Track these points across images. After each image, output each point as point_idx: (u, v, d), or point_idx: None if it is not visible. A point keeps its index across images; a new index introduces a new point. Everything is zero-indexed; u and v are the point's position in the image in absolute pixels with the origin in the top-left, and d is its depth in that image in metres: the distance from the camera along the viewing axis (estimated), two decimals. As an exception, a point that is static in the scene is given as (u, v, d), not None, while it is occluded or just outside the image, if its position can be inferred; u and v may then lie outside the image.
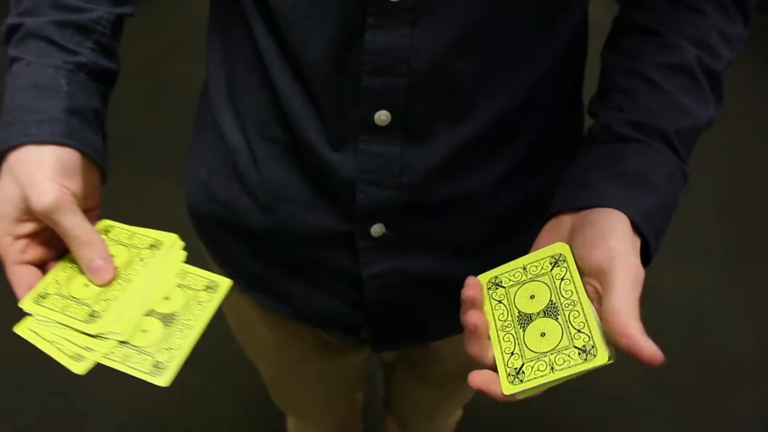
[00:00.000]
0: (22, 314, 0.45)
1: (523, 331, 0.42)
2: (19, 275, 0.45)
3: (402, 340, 0.64)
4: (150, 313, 0.44)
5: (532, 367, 0.40)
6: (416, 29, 0.42)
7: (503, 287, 0.45)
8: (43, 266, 0.47)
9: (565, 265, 0.43)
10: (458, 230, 0.54)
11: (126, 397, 1.42)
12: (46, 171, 0.42)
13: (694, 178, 1.95)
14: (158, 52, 2.36)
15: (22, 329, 0.44)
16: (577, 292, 0.41)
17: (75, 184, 0.44)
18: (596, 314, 0.40)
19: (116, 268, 0.45)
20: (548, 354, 0.40)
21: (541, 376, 0.39)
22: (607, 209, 0.42)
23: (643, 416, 1.43)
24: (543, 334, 0.41)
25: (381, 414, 1.09)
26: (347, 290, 0.58)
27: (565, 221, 0.45)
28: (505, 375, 0.40)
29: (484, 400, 0.96)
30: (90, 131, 0.46)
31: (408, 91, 0.45)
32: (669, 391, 1.47)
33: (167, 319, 0.44)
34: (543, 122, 0.51)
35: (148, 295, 0.45)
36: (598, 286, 0.41)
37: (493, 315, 0.44)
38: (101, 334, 0.42)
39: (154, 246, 0.47)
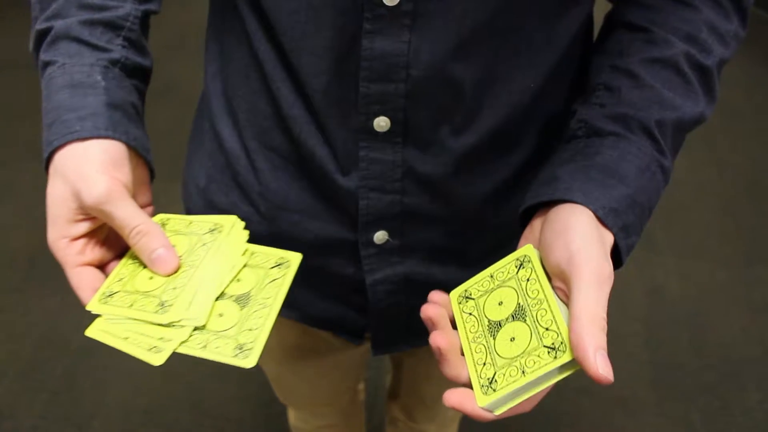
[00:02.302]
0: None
1: (494, 339, 0.40)
2: (80, 278, 0.43)
3: (404, 343, 0.63)
4: (223, 296, 0.43)
5: (504, 374, 0.37)
6: (414, 35, 0.41)
7: (472, 299, 0.43)
8: (103, 268, 0.45)
9: (530, 265, 0.41)
10: (461, 236, 0.53)
11: (130, 396, 1.42)
12: (94, 164, 0.41)
13: (700, 177, 1.94)
14: (159, 53, 2.36)
15: (93, 331, 0.42)
16: (542, 290, 0.40)
17: (125, 175, 0.43)
18: (564, 311, 0.38)
19: (179, 256, 0.44)
20: (518, 358, 0.38)
21: (513, 381, 0.37)
22: (570, 204, 0.40)
23: (647, 416, 1.42)
24: (512, 339, 0.39)
25: (386, 402, 1.10)
26: (351, 296, 0.57)
27: (536, 225, 0.44)
28: (478, 387, 0.38)
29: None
30: (132, 125, 0.45)
31: (407, 97, 0.44)
32: (673, 391, 1.46)
33: (242, 300, 0.43)
34: (545, 127, 0.51)
35: (217, 279, 0.43)
36: (564, 288, 0.39)
37: (465, 328, 0.42)
38: (174, 322, 0.41)
39: (215, 230, 0.46)
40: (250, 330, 0.41)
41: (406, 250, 0.53)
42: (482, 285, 0.44)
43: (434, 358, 0.78)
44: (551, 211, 0.41)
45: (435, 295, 0.44)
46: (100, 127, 0.42)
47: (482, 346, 0.40)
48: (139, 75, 0.49)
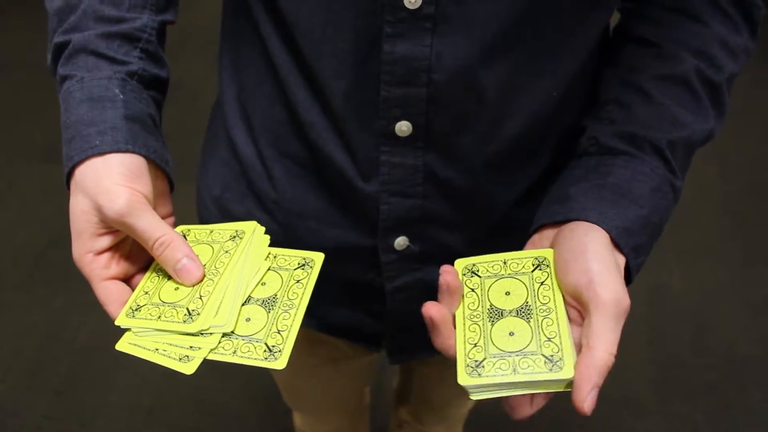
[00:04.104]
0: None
1: (492, 325, 0.40)
2: (108, 292, 0.44)
3: (419, 352, 0.62)
4: (249, 301, 0.43)
5: (494, 364, 0.37)
6: (436, 39, 0.41)
7: (479, 276, 0.43)
8: (129, 281, 0.46)
9: (548, 270, 0.41)
10: (481, 243, 0.52)
11: (133, 396, 1.43)
12: (114, 177, 0.42)
13: (702, 178, 1.94)
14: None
15: (122, 345, 0.42)
16: (554, 300, 0.39)
17: (144, 187, 0.43)
18: (570, 328, 0.38)
19: (203, 265, 0.44)
20: (513, 355, 0.37)
21: (501, 374, 0.37)
22: (584, 224, 0.41)
23: (651, 416, 1.42)
24: (512, 334, 0.39)
25: (393, 405, 1.10)
26: (370, 303, 0.57)
27: (547, 235, 0.44)
28: (463, 365, 0.38)
29: (486, 402, 0.96)
30: (151, 137, 0.45)
31: (429, 102, 0.43)
32: (676, 391, 1.46)
33: (268, 303, 0.43)
34: (566, 137, 0.50)
35: (242, 285, 0.43)
36: (580, 308, 0.39)
37: (464, 303, 0.42)
38: (203, 330, 0.41)
39: (236, 236, 0.46)
40: (279, 332, 0.41)
41: (426, 256, 0.53)
42: (493, 267, 0.43)
43: (446, 363, 0.78)
44: (566, 228, 0.42)
45: (448, 266, 0.43)
46: (120, 141, 0.43)
47: (478, 327, 0.40)
48: (156, 86, 0.49)
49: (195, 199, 0.62)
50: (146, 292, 0.44)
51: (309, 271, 0.45)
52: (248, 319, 0.42)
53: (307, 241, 0.52)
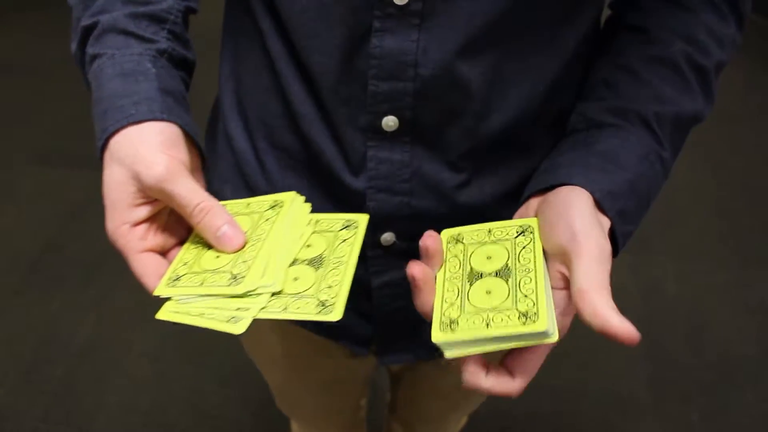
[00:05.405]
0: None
1: (470, 285, 0.40)
2: (144, 264, 0.42)
3: (409, 353, 0.63)
4: (295, 262, 0.42)
5: (467, 321, 0.37)
6: (423, 34, 0.42)
7: (463, 243, 0.43)
8: (165, 255, 0.44)
9: (531, 236, 0.41)
10: None
11: (130, 398, 1.42)
12: (152, 145, 0.41)
13: (696, 179, 1.95)
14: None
15: (165, 313, 0.40)
16: (534, 262, 0.39)
17: (183, 154, 0.42)
18: (549, 289, 0.38)
19: (245, 232, 0.43)
20: (488, 311, 0.37)
21: (475, 329, 0.36)
22: (569, 187, 0.41)
23: (645, 416, 1.43)
24: (488, 292, 0.39)
25: (386, 417, 1.09)
26: (358, 301, 0.57)
27: (532, 204, 0.44)
28: (438, 322, 0.38)
29: (484, 403, 0.95)
30: (183, 111, 0.44)
31: (415, 96, 0.44)
32: (671, 392, 1.47)
33: (316, 262, 0.42)
34: (555, 133, 0.51)
35: (287, 247, 0.42)
36: (564, 270, 0.39)
37: (445, 267, 0.42)
38: (250, 291, 0.39)
39: (276, 206, 0.45)
40: (330, 287, 0.40)
41: (414, 253, 0.53)
42: (477, 235, 0.43)
43: (435, 372, 0.78)
44: (550, 194, 0.42)
45: (430, 231, 0.42)
46: (155, 110, 0.42)
47: (456, 288, 0.40)
48: (184, 67, 0.49)
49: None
50: (185, 263, 0.42)
51: (354, 231, 0.44)
52: (296, 279, 0.41)
53: None
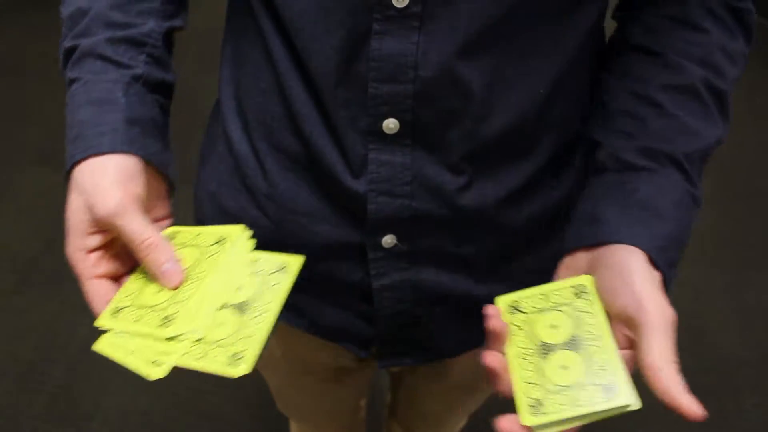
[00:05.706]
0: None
1: (544, 361, 0.40)
2: (94, 291, 0.45)
3: (410, 356, 0.62)
4: (224, 306, 0.44)
5: (553, 400, 0.38)
6: (422, 36, 0.42)
7: (523, 312, 0.44)
8: (117, 280, 0.47)
9: (589, 298, 0.42)
10: (471, 243, 0.53)
11: (129, 398, 1.42)
12: (109, 177, 0.43)
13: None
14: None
15: (101, 345, 0.43)
16: (600, 328, 0.41)
17: (138, 188, 0.44)
18: (619, 354, 0.40)
19: (185, 269, 0.45)
20: (570, 388, 0.39)
21: (563, 410, 0.38)
22: (621, 246, 0.42)
23: (645, 419, 1.43)
24: (564, 368, 0.40)
25: (386, 418, 1.09)
26: (359, 303, 0.57)
27: (580, 258, 0.45)
28: (525, 405, 0.39)
29: (484, 404, 0.95)
30: (151, 140, 0.47)
31: (416, 98, 0.44)
32: (670, 395, 1.47)
33: (241, 308, 0.43)
34: (558, 135, 0.51)
35: (221, 290, 0.44)
36: (630, 334, 0.40)
37: (512, 341, 0.42)
38: (177, 335, 0.42)
39: (221, 241, 0.47)
40: (245, 338, 0.41)
41: (415, 255, 0.53)
42: (534, 302, 0.44)
43: (435, 375, 0.78)
44: (602, 252, 0.43)
45: (492, 308, 0.44)
46: (117, 143, 0.44)
47: (532, 365, 0.41)
48: (161, 90, 0.50)
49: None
50: (129, 294, 0.45)
51: (284, 275, 0.45)
52: (221, 324, 0.42)
53: (297, 237, 0.52)
